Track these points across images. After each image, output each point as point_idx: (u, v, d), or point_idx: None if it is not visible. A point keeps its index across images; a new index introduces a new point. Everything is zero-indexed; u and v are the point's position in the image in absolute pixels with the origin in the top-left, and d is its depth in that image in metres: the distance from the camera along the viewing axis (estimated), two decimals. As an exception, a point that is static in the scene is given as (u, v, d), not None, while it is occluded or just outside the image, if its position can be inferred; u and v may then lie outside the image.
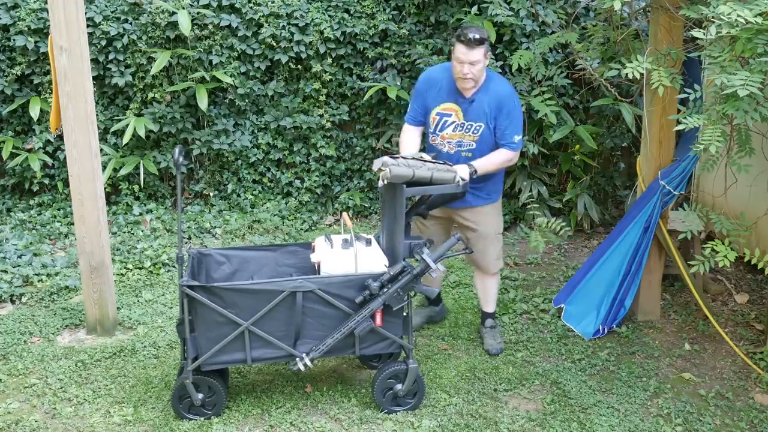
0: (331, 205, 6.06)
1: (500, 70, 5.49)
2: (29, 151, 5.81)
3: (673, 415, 3.36)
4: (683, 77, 3.78)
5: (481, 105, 3.60)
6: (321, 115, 5.85)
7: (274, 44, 5.73)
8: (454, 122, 3.64)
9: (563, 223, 4.06)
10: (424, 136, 3.87)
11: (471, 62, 3.46)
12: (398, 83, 5.79)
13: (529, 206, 5.02)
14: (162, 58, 5.48)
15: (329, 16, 5.80)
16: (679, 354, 3.93)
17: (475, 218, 3.79)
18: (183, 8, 5.45)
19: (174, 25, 5.60)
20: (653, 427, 3.27)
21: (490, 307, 4.05)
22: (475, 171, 3.53)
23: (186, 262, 3.27)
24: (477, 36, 3.42)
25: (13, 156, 5.79)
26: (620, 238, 4.07)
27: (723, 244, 3.44)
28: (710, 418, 3.35)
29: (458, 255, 4.13)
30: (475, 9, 5.53)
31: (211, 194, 6.03)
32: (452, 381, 3.63)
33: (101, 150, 5.66)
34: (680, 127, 3.15)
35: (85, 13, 4.26)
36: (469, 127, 3.63)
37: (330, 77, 5.78)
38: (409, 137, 3.78)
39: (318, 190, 6.02)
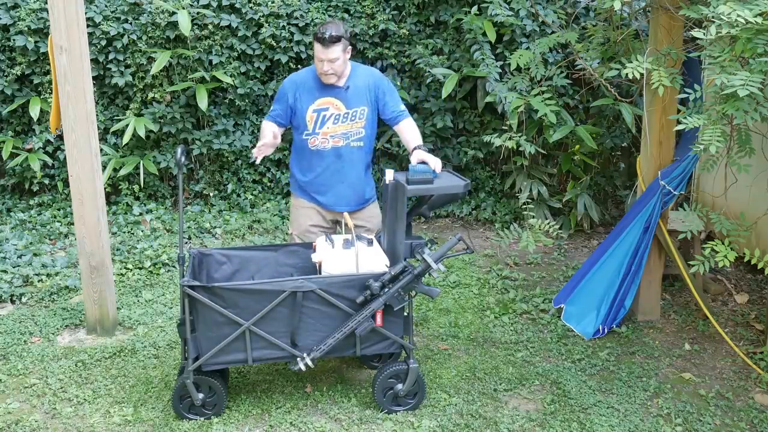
0: (331, 205, 6.06)
1: (500, 70, 5.50)
2: (29, 151, 5.81)
3: (673, 415, 3.36)
4: (683, 77, 3.79)
5: (358, 89, 3.67)
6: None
7: (274, 44, 5.73)
8: (333, 114, 3.65)
9: (557, 226, 4.06)
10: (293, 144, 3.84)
11: (330, 59, 3.52)
12: (398, 83, 5.79)
13: (524, 206, 5.04)
14: (162, 58, 5.48)
15: (329, 16, 5.80)
16: (679, 354, 3.93)
17: (367, 215, 3.87)
18: (183, 8, 5.44)
19: (174, 25, 5.60)
20: (653, 427, 3.27)
21: None
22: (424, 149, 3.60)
23: (187, 262, 3.27)
24: (333, 33, 3.47)
25: (13, 156, 5.79)
26: (620, 238, 4.07)
27: (723, 244, 3.45)
28: (710, 418, 3.35)
29: (459, 255, 4.13)
30: (475, 9, 5.53)
31: (211, 194, 6.03)
32: (452, 381, 3.63)
33: (101, 150, 5.66)
34: (680, 127, 3.15)
35: (85, 13, 4.26)
36: (354, 114, 3.67)
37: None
38: (268, 125, 3.72)
39: (318, 190, 6.01)
